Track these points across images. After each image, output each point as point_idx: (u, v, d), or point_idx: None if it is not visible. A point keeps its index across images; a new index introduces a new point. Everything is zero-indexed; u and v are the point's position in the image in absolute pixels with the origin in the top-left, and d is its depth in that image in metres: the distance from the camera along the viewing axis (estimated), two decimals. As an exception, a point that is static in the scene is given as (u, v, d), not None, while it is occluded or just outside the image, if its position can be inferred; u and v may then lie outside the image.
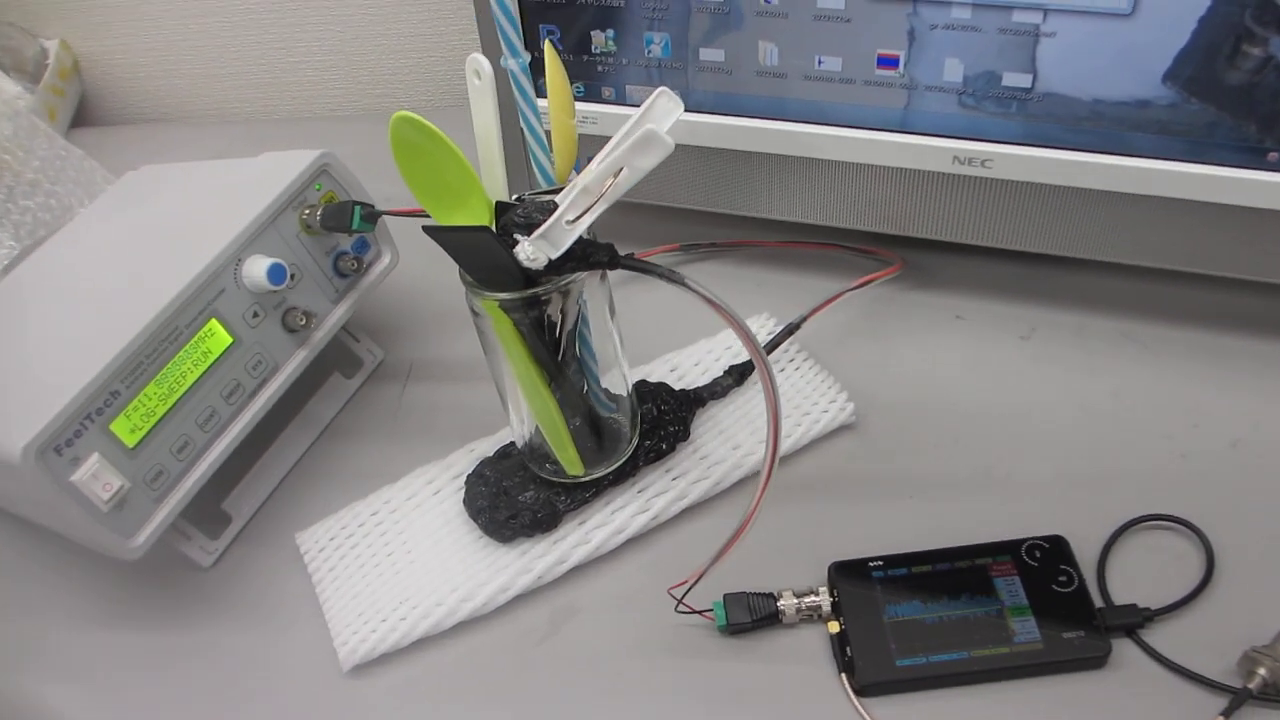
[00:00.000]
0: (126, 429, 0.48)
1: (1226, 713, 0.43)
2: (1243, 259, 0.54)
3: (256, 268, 0.51)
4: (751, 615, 0.47)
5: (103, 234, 0.60)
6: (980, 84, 0.53)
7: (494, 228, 0.42)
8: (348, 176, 0.56)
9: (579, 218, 0.39)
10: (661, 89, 0.40)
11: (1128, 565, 0.49)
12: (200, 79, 0.95)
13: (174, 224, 0.56)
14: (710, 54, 0.57)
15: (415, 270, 0.61)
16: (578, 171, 0.44)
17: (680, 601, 0.48)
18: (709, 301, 0.40)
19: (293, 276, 0.54)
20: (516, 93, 0.41)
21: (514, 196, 0.43)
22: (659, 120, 0.40)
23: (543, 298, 0.43)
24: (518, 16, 0.39)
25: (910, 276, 0.65)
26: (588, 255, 0.41)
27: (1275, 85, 0.48)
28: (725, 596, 0.48)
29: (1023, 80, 0.52)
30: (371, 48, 0.89)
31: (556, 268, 0.41)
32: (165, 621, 0.53)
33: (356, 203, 0.52)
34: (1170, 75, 0.49)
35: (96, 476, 0.46)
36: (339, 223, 0.52)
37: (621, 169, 0.38)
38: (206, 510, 0.56)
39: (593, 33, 0.59)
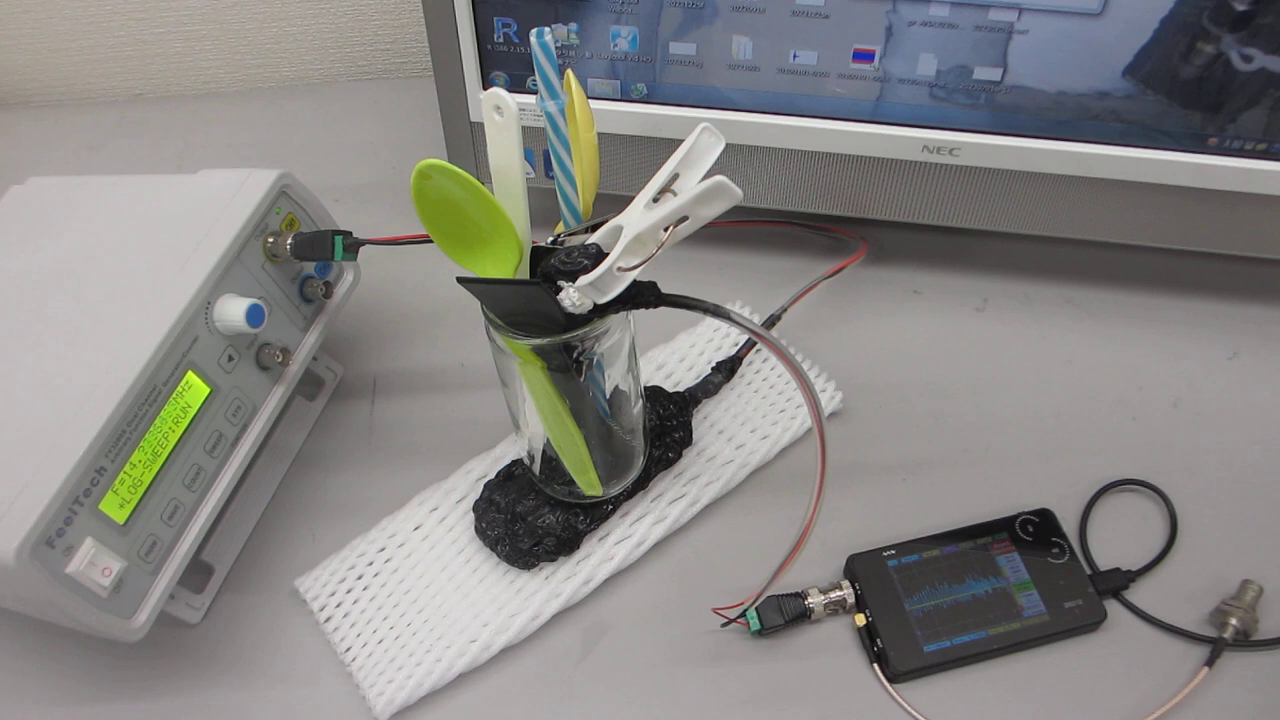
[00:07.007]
0: (115, 505, 0.44)
1: (1210, 661, 0.48)
2: (1174, 230, 0.59)
3: (232, 310, 0.47)
4: (783, 616, 0.49)
5: (11, 271, 0.52)
6: (952, 77, 0.54)
7: (529, 273, 0.41)
8: (306, 196, 0.52)
9: (634, 266, 0.38)
10: (703, 125, 0.38)
11: (1102, 529, 0.53)
12: (44, 54, 0.83)
13: (113, 261, 0.50)
14: (681, 48, 0.55)
15: (364, 279, 0.58)
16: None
17: (731, 621, 0.49)
18: (763, 339, 0.40)
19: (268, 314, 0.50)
20: (551, 133, 0.39)
21: (549, 240, 0.41)
22: (700, 159, 0.39)
23: (575, 342, 0.42)
24: (556, 57, 0.37)
25: (866, 253, 0.66)
26: (632, 296, 0.40)
27: (1221, 79, 0.52)
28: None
29: (993, 74, 0.53)
30: (249, 14, 0.81)
31: (600, 310, 0.40)
32: (161, 687, 0.50)
33: (336, 232, 0.48)
34: (1130, 69, 0.52)
35: (94, 563, 0.43)
36: (318, 254, 0.49)
37: (685, 218, 0.37)
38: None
39: (554, 26, 0.56)
